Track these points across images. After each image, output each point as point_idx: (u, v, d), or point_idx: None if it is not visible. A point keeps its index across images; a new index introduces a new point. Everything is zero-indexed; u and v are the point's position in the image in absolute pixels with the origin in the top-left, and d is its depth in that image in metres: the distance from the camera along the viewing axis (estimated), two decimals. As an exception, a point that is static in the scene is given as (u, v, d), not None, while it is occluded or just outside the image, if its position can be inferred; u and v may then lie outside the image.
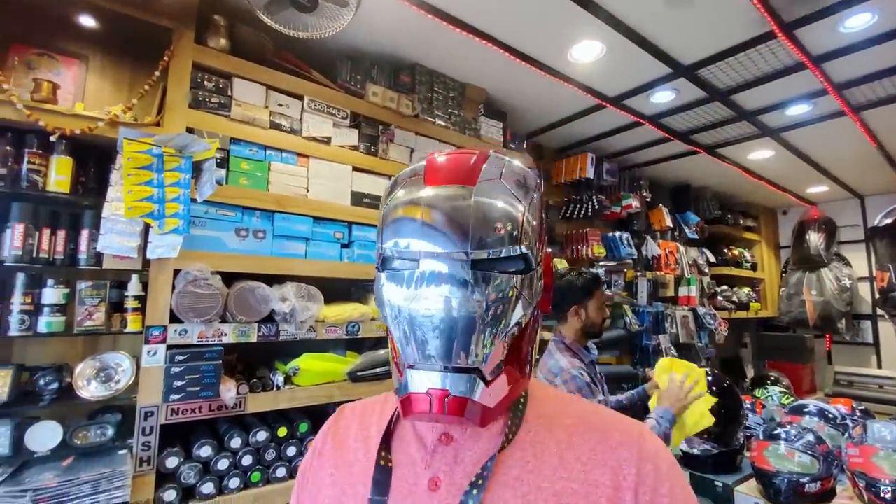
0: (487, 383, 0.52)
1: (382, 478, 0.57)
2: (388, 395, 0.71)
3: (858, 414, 2.49)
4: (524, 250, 0.55)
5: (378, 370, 2.03)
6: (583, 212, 3.35)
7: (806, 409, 2.44)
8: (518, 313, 0.54)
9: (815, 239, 4.70)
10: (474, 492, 0.53)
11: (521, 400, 0.60)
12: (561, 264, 3.06)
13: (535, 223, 0.57)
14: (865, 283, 4.67)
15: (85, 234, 1.56)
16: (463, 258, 0.52)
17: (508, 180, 0.57)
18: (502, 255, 0.53)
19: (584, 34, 2.03)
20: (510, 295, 0.53)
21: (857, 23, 1.98)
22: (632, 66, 2.30)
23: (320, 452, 0.67)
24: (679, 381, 1.81)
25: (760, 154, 3.46)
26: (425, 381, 0.52)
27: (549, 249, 0.60)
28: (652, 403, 1.85)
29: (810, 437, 1.98)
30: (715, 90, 2.51)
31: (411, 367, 0.53)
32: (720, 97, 2.58)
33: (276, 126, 1.94)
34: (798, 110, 2.78)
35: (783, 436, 2.02)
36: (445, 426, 0.58)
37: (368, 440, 0.64)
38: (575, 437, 0.57)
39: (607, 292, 3.22)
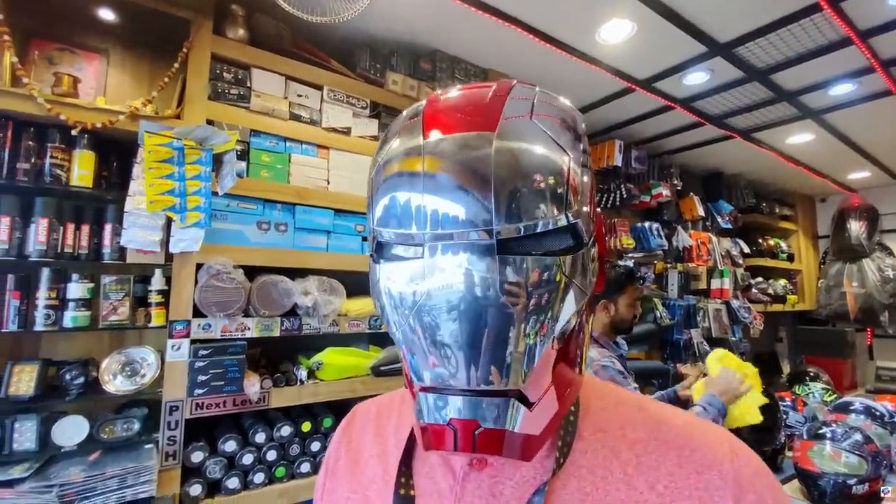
0: (531, 405, 0.39)
1: None
2: (405, 393, 0.59)
3: (906, 411, 2.35)
4: (573, 219, 0.40)
5: (400, 365, 1.99)
6: (610, 201, 3.23)
7: (851, 407, 2.31)
8: (570, 307, 0.40)
9: (856, 228, 4.49)
10: None
11: (572, 409, 0.47)
12: (587, 256, 2.96)
13: (585, 179, 0.42)
14: (911, 273, 4.42)
15: (108, 228, 1.55)
16: (486, 237, 0.37)
17: (544, 118, 0.41)
18: (545, 229, 0.39)
19: (614, 12, 1.93)
20: (558, 283, 0.39)
21: (910, -8, 1.83)
22: (664, 46, 2.18)
23: (333, 471, 0.57)
24: (733, 373, 1.72)
25: (800, 138, 3.28)
26: (447, 407, 0.39)
27: (599, 209, 0.49)
28: (697, 391, 1.76)
29: (858, 437, 1.88)
30: (753, 70, 2.37)
31: (427, 389, 0.41)
32: (759, 77, 2.43)
33: (295, 117, 1.90)
34: (842, 90, 2.60)
35: (829, 435, 1.91)
36: None
37: (386, 456, 0.53)
38: (644, 456, 0.44)
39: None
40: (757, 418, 1.70)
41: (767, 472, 0.44)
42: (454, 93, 0.46)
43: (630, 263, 3.16)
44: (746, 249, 4.21)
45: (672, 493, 0.41)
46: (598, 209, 0.48)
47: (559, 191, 0.39)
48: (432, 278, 0.38)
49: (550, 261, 0.39)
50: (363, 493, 0.51)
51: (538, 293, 0.39)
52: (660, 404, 0.50)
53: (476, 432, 0.38)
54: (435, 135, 0.41)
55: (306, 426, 1.80)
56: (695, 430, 0.46)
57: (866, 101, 2.71)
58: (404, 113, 0.47)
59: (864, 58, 2.25)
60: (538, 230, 0.38)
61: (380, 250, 0.44)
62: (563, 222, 0.39)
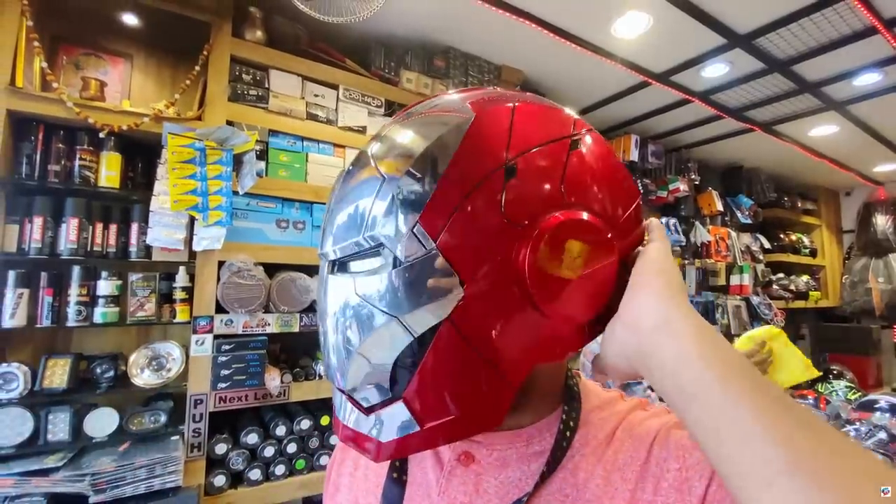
0: (367, 411, 0.42)
1: (393, 494, 0.49)
2: None
3: (935, 410, 2.29)
4: (372, 242, 0.40)
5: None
6: (626, 197, 3.20)
7: (877, 405, 2.27)
8: (377, 322, 0.40)
9: (882, 222, 4.37)
10: None
11: (574, 414, 0.47)
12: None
13: (403, 206, 0.39)
14: (941, 268, 4.29)
15: (135, 227, 1.61)
16: (324, 259, 0.45)
17: (384, 151, 0.43)
18: (351, 252, 0.42)
19: (630, 5, 1.91)
20: (361, 300, 0.41)
21: (939, -22, 1.78)
22: (681, 39, 2.15)
23: (343, 447, 0.62)
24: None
25: (823, 130, 3.20)
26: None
27: (561, 214, 0.40)
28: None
29: (882, 435, 1.86)
30: (774, 61, 2.32)
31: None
32: (780, 68, 2.38)
33: (312, 117, 1.93)
34: (867, 80, 2.53)
35: (852, 433, 1.89)
36: (465, 443, 0.48)
37: None
38: (620, 454, 0.44)
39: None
40: (805, 374, 1.57)
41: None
42: None
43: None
44: (767, 245, 4.13)
45: (636, 477, 0.42)
46: (560, 212, 0.42)
47: (364, 217, 0.40)
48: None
49: (359, 279, 0.41)
50: (363, 472, 0.56)
51: (350, 310, 0.41)
52: (636, 399, 0.51)
53: (341, 425, 0.45)
54: None
55: (325, 420, 1.84)
56: (647, 416, 0.47)
57: (893, 91, 2.63)
58: None
59: (891, 47, 2.18)
60: (347, 254, 0.42)
61: None
62: (364, 245, 0.40)
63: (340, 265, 0.44)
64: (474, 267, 0.38)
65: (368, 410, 0.42)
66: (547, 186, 0.41)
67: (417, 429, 0.40)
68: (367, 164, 0.43)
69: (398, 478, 0.50)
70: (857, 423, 1.96)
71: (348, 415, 0.44)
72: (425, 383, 0.40)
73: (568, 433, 0.46)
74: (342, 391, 0.44)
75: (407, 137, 0.43)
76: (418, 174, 0.39)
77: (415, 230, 0.38)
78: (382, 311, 0.39)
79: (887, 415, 2.20)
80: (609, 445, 0.45)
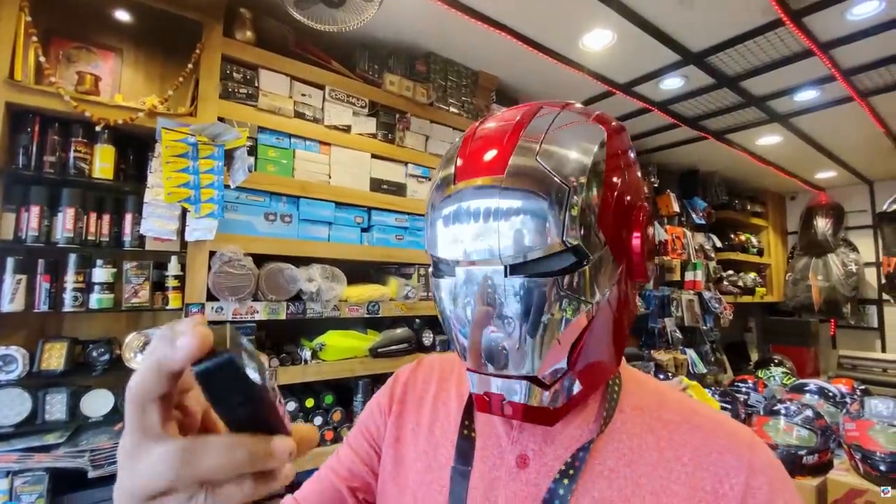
0: (548, 386, 0.49)
1: (466, 447, 0.56)
2: None
3: (858, 393, 2.58)
4: (572, 242, 0.46)
5: (396, 347, 2.16)
6: (591, 197, 3.40)
7: (806, 388, 2.54)
8: (568, 314, 0.48)
9: (822, 224, 4.75)
10: (565, 481, 0.50)
11: (616, 387, 0.56)
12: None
13: (594, 195, 0.47)
14: (872, 268, 4.71)
15: (128, 217, 1.67)
16: (496, 264, 0.47)
17: (551, 152, 0.47)
18: (541, 255, 0.46)
19: (596, 22, 2.09)
20: (555, 296, 0.47)
21: (864, 10, 2.02)
22: (642, 54, 2.36)
23: (401, 400, 0.67)
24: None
25: (769, 139, 3.50)
26: (483, 383, 0.51)
27: (644, 202, 0.53)
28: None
29: (809, 413, 2.09)
30: (723, 77, 2.56)
31: (471, 370, 0.52)
32: (728, 83, 2.63)
33: (299, 115, 2.03)
34: (806, 96, 2.81)
35: (783, 411, 2.12)
36: None
37: (448, 402, 0.63)
38: (676, 434, 0.52)
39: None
40: None
41: (780, 466, 0.50)
42: (482, 131, 0.53)
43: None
44: (719, 244, 4.44)
45: (694, 464, 0.49)
46: (644, 201, 0.54)
47: (557, 220, 0.46)
48: (461, 293, 0.50)
49: (548, 279, 0.47)
50: (428, 427, 0.62)
51: (538, 305, 0.47)
52: (696, 399, 0.59)
53: (503, 403, 0.50)
54: (462, 176, 0.50)
55: (309, 402, 1.95)
56: (723, 422, 0.53)
57: (830, 106, 2.92)
58: (449, 149, 0.56)
59: (826, 67, 2.44)
60: (535, 257, 0.46)
61: (435, 267, 0.56)
62: (557, 248, 0.46)
63: (519, 268, 0.47)
64: (619, 252, 0.50)
65: (548, 387, 0.49)
66: (634, 183, 0.54)
67: (579, 388, 0.51)
68: (543, 174, 0.46)
69: (468, 434, 0.57)
70: (788, 403, 2.20)
71: (513, 394, 0.49)
72: (589, 352, 0.50)
73: (615, 395, 0.56)
74: (514, 377, 0.49)
75: (570, 149, 0.48)
76: (593, 184, 0.47)
77: (598, 234, 0.48)
78: (583, 300, 0.47)
79: (815, 396, 2.48)
80: (660, 421, 0.53)
